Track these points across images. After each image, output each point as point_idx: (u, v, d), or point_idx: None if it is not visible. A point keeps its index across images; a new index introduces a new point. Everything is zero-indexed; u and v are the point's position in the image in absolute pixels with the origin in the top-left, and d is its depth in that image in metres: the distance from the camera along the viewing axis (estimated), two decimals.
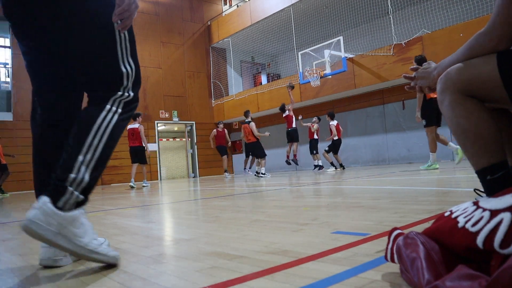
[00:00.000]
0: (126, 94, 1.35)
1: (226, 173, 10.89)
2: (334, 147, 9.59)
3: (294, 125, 9.69)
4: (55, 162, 1.23)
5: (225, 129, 11.16)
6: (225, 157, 10.92)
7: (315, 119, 10.31)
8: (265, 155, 9.44)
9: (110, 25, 1.29)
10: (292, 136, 9.68)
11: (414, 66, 1.34)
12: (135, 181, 8.61)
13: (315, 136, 10.18)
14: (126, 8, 1.25)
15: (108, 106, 1.29)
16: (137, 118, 8.61)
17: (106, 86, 1.32)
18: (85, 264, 1.31)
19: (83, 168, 1.19)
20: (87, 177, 1.19)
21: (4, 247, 1.78)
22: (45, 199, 1.10)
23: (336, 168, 9.45)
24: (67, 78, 1.39)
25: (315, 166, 10.15)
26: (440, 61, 1.24)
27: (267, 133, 10.05)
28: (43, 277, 1.19)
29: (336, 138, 9.47)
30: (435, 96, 6.22)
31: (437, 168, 5.97)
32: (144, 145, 8.59)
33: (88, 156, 1.20)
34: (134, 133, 8.51)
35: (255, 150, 9.45)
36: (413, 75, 1.32)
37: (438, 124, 6.02)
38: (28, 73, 1.41)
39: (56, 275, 1.20)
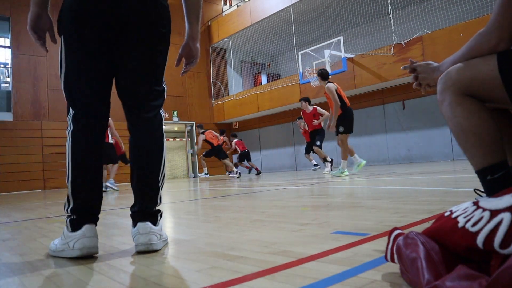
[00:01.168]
0: (163, 114, 1.64)
1: None
2: (313, 137, 8.07)
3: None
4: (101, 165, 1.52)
5: None
6: None
7: (298, 121, 9.57)
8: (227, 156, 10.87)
9: (166, 50, 1.60)
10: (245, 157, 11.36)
11: (412, 60, 1.34)
12: (115, 182, 7.47)
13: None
14: (195, 65, 1.73)
15: (164, 135, 1.62)
16: None
17: (156, 102, 1.58)
18: (85, 264, 1.31)
19: (161, 192, 1.58)
20: (162, 198, 1.61)
21: (4, 247, 1.78)
22: (151, 225, 1.46)
23: (323, 165, 8.34)
24: (109, 82, 1.55)
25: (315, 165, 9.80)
26: (439, 61, 1.24)
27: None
28: (43, 277, 1.19)
29: (316, 122, 8.06)
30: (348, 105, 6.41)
31: (347, 175, 5.98)
32: (112, 142, 7.33)
33: (161, 182, 1.59)
34: None
35: (220, 153, 10.53)
36: (411, 66, 1.32)
37: (351, 131, 6.27)
38: (79, 77, 1.48)
39: (56, 275, 1.20)
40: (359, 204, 2.38)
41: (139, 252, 1.44)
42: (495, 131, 1.05)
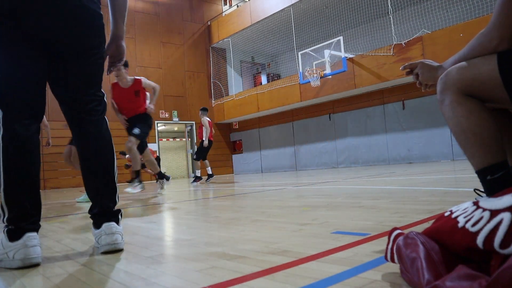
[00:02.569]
0: (107, 119, 1.64)
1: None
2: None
3: None
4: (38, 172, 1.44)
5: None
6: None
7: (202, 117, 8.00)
8: None
9: (103, 59, 1.61)
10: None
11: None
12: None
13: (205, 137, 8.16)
14: (121, 63, 1.72)
15: (110, 135, 1.61)
16: None
17: (99, 107, 1.59)
18: (86, 264, 1.31)
19: (118, 191, 1.59)
20: (119, 197, 1.61)
21: None
22: (115, 225, 1.49)
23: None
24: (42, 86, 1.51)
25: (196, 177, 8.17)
26: (439, 61, 1.24)
27: None
28: (43, 277, 1.19)
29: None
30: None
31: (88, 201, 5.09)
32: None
33: (116, 181, 1.60)
34: None
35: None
36: (410, 65, 1.32)
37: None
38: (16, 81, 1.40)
39: (56, 275, 1.20)
40: (359, 204, 2.38)
41: (104, 253, 1.45)
42: (495, 131, 1.05)
